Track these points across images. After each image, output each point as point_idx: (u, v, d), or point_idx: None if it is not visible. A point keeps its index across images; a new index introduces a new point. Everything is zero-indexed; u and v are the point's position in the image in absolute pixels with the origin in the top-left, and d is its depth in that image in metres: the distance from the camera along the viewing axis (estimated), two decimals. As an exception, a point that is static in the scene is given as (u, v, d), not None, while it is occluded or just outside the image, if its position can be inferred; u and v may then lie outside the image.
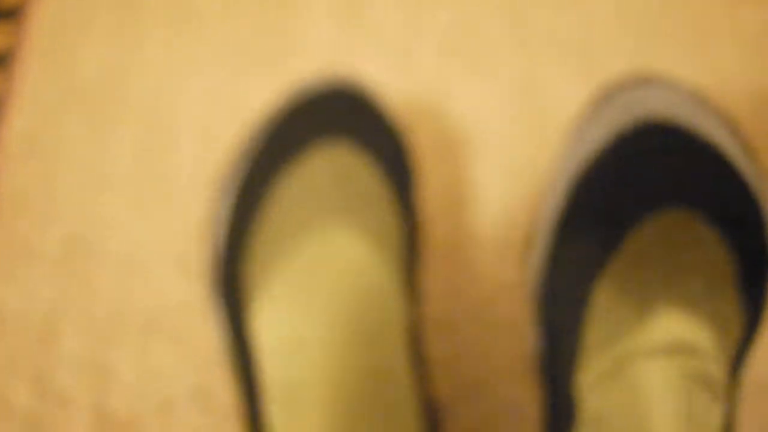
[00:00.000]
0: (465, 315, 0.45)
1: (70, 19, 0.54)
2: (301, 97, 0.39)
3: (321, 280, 0.35)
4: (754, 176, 0.35)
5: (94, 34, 0.54)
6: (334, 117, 0.38)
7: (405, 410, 0.34)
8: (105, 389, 0.44)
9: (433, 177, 0.48)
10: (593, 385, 0.34)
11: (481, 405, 0.42)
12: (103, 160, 0.50)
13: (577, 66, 0.51)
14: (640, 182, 0.34)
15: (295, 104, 0.38)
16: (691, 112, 0.35)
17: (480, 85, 0.52)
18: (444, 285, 0.45)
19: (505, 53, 0.53)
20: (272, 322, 0.35)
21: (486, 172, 0.49)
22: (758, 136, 0.49)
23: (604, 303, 0.34)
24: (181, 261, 0.47)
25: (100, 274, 0.46)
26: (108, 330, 0.45)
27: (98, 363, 0.44)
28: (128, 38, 0.53)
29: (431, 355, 0.44)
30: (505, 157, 0.49)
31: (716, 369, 0.33)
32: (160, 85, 0.52)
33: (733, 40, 0.52)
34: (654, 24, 0.53)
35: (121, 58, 0.53)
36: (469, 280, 0.46)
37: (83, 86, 0.52)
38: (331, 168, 0.37)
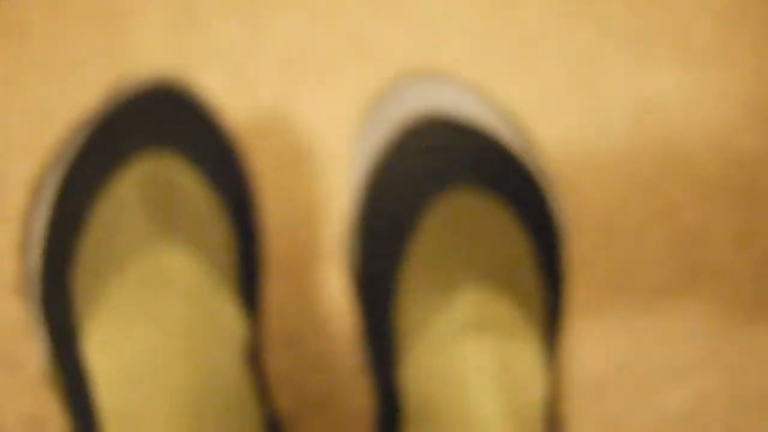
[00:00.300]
0: (309, 329, 0.45)
1: None
2: (124, 100, 0.36)
3: (149, 303, 0.34)
4: (536, 167, 0.38)
5: None
6: (159, 125, 0.36)
7: (248, 429, 0.34)
8: None
9: (277, 192, 0.49)
10: (410, 377, 0.35)
11: (326, 418, 0.43)
12: None
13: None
14: (427, 168, 0.36)
15: (117, 108, 0.36)
16: (475, 107, 0.37)
17: (324, 98, 0.52)
18: (287, 300, 0.45)
19: (347, 64, 0.53)
20: (105, 348, 0.34)
21: (331, 186, 0.49)
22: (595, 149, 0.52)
23: (412, 289, 0.35)
24: (11, 282, 0.45)
25: None
26: (-69, 359, 0.43)
27: None
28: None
29: (275, 369, 0.44)
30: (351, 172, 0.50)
31: (526, 343, 0.35)
32: (-17, 100, 0.49)
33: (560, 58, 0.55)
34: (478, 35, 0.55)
35: None
36: (313, 294, 0.46)
37: None
38: (155, 181, 0.35)
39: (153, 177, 0.35)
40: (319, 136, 0.51)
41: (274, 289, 0.46)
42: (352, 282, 0.38)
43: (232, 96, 0.52)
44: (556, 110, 0.53)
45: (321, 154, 0.50)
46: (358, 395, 0.43)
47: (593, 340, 0.45)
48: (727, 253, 0.48)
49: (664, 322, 0.46)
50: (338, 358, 0.44)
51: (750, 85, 0.54)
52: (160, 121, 0.36)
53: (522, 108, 0.53)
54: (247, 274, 0.37)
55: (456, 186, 0.35)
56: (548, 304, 0.37)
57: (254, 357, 0.36)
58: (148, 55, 0.52)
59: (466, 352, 0.34)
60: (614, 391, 0.44)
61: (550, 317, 0.37)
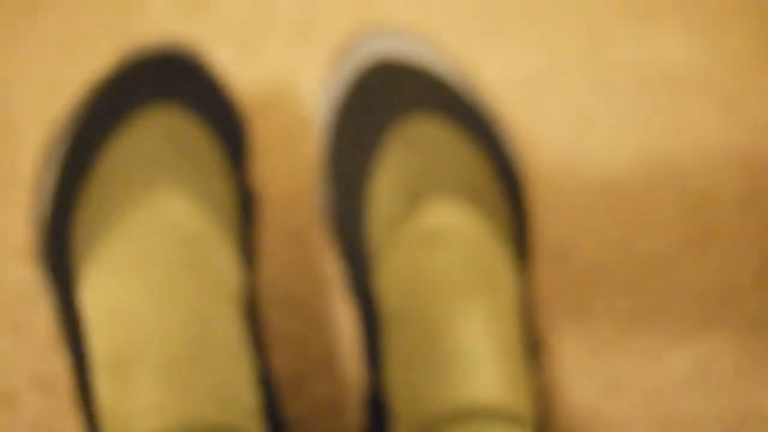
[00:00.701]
0: (312, 293, 0.45)
1: None
2: (131, 61, 0.38)
3: (147, 247, 0.35)
4: (483, 104, 0.41)
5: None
6: (164, 81, 0.37)
7: (236, 379, 0.34)
8: None
9: (281, 163, 0.49)
10: (384, 286, 0.36)
11: (326, 381, 0.43)
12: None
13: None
14: (385, 101, 0.39)
15: (125, 68, 0.38)
16: (428, 56, 0.41)
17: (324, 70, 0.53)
18: (292, 265, 0.46)
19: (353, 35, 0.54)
20: (99, 292, 0.35)
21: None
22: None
23: (380, 206, 0.37)
24: (19, 249, 0.46)
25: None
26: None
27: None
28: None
29: (279, 332, 0.44)
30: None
31: (493, 249, 0.37)
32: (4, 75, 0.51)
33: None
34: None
35: None
36: (316, 260, 0.46)
37: None
38: (160, 132, 0.37)
39: (158, 129, 0.36)
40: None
41: (280, 255, 0.46)
42: (325, 211, 0.41)
43: (240, 68, 0.52)
44: (564, 77, 0.53)
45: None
46: (360, 359, 0.43)
47: (597, 301, 0.45)
48: (733, 216, 0.48)
49: (668, 285, 0.46)
50: (342, 321, 0.45)
51: (757, 49, 0.53)
52: (165, 78, 0.37)
53: (528, 73, 0.53)
54: (246, 227, 0.38)
55: (411, 114, 0.38)
56: (513, 220, 0.39)
57: (250, 310, 0.37)
58: (159, 29, 0.53)
59: (434, 259, 0.36)
60: (619, 354, 0.44)
61: (516, 232, 0.39)
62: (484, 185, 0.38)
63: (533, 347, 0.37)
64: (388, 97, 0.39)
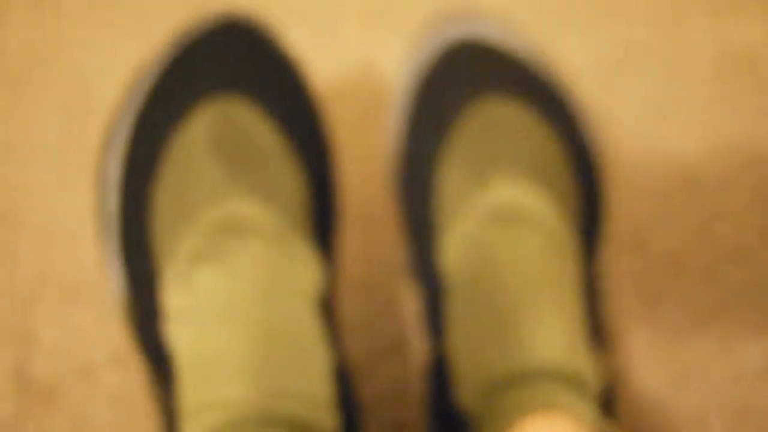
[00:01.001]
0: (381, 278, 0.46)
1: (-7, -5, 0.55)
2: (196, 38, 0.37)
3: (223, 247, 0.35)
4: (562, 87, 0.41)
5: (12, 13, 0.54)
6: (232, 67, 0.36)
7: (312, 372, 0.34)
8: (26, 355, 0.44)
9: (356, 146, 0.49)
10: (451, 257, 0.37)
11: (396, 365, 0.43)
12: (26, 132, 0.50)
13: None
14: (465, 78, 0.39)
15: (189, 48, 0.37)
16: (509, 39, 0.41)
17: (401, 55, 0.53)
18: (361, 250, 0.46)
19: (425, 18, 0.54)
20: (178, 290, 0.35)
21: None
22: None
23: (445, 182, 0.38)
24: (93, 226, 0.47)
25: (21, 243, 0.47)
26: (29, 296, 0.45)
27: (19, 329, 0.45)
28: (47, 13, 0.54)
29: (347, 315, 0.45)
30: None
31: (558, 232, 0.37)
32: (83, 57, 0.52)
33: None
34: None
35: (41, 33, 0.53)
36: (386, 245, 0.47)
37: (4, 63, 0.52)
38: (226, 127, 0.36)
39: (224, 122, 0.36)
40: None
41: (354, 239, 0.47)
42: (396, 181, 0.41)
43: (314, 49, 0.53)
44: (641, 64, 0.53)
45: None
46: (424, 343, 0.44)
47: (672, 289, 0.45)
48: (815, 206, 0.47)
49: (745, 274, 0.45)
50: (410, 305, 0.45)
51: None
52: (232, 63, 0.36)
53: (604, 59, 0.52)
54: (322, 222, 0.38)
55: (488, 94, 0.38)
56: (585, 204, 0.39)
57: (327, 303, 0.37)
58: (232, 7, 0.53)
59: (504, 234, 0.36)
60: (693, 343, 0.43)
61: (587, 216, 0.39)
62: (557, 168, 0.38)
63: (598, 331, 0.37)
64: (466, 76, 0.39)
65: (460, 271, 0.36)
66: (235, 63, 0.36)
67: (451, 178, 0.37)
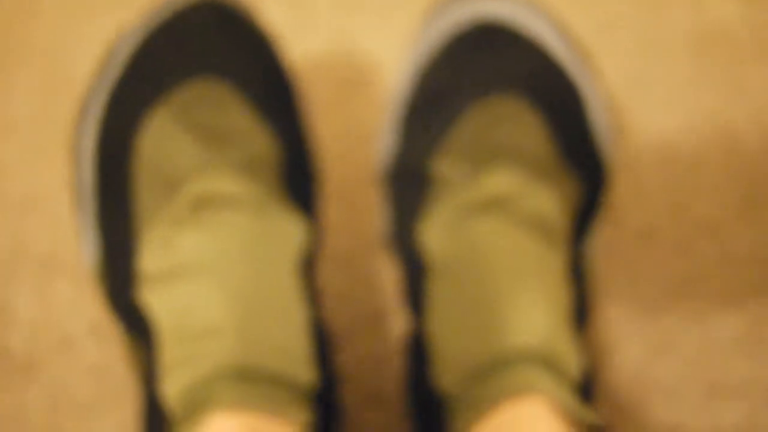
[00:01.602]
0: (361, 251, 0.46)
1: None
2: (169, 16, 0.37)
3: (206, 215, 0.35)
4: (579, 68, 0.40)
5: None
6: (203, 43, 0.37)
7: (292, 329, 0.35)
8: (4, 328, 0.44)
9: (333, 121, 0.50)
10: (437, 239, 0.37)
11: (371, 338, 0.44)
12: (5, 104, 0.50)
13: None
14: (474, 73, 0.38)
15: (162, 25, 0.37)
16: (527, 18, 0.39)
17: (379, 32, 0.53)
18: (341, 224, 0.47)
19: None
20: (157, 252, 0.35)
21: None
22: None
23: (444, 171, 0.37)
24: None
25: (-1, 216, 0.47)
26: (6, 270, 0.45)
27: (-4, 301, 0.45)
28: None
29: (328, 287, 0.45)
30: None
31: (550, 218, 0.37)
32: (62, 30, 0.52)
33: None
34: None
35: (20, 5, 0.53)
36: (365, 220, 0.47)
37: (-16, 35, 0.52)
38: (201, 104, 0.36)
39: (199, 98, 0.36)
40: (375, 68, 0.52)
41: (331, 213, 0.47)
42: (386, 167, 0.41)
43: (291, 28, 0.53)
44: (619, 39, 0.53)
45: (377, 86, 0.51)
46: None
47: (648, 263, 0.45)
48: (788, 181, 0.48)
49: (719, 248, 0.46)
50: (388, 278, 0.45)
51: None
52: (207, 41, 0.37)
53: (583, 36, 0.53)
54: (301, 191, 0.38)
55: (495, 92, 0.38)
56: (582, 197, 0.39)
57: (309, 264, 0.37)
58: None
59: (491, 221, 0.36)
60: (668, 317, 0.44)
61: (585, 205, 0.39)
62: (554, 162, 0.38)
63: (582, 313, 0.38)
64: (472, 72, 0.39)
65: (444, 253, 0.36)
66: (210, 40, 0.37)
67: (444, 167, 0.38)
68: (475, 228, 0.36)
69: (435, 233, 0.37)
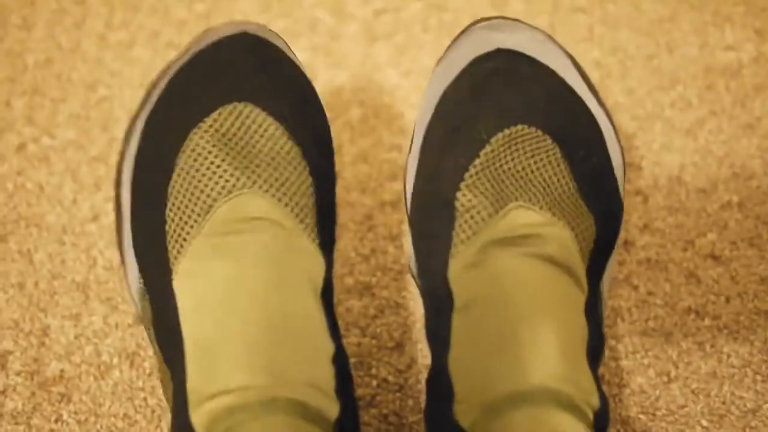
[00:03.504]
0: (380, 280, 0.47)
1: None
2: (206, 48, 0.38)
3: (231, 241, 0.36)
4: (594, 103, 0.40)
5: (35, 27, 0.56)
6: (240, 73, 0.38)
7: (314, 360, 0.36)
8: (39, 351, 0.45)
9: (355, 150, 0.51)
10: (461, 276, 0.37)
11: (391, 366, 0.45)
12: (47, 132, 0.52)
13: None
14: (496, 105, 0.39)
15: (198, 58, 0.38)
16: (539, 46, 0.40)
17: (408, 65, 0.55)
18: (356, 254, 0.48)
19: (424, 33, 0.56)
20: (186, 282, 0.36)
21: (408, 144, 0.51)
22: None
23: (468, 203, 0.38)
24: (112, 230, 0.49)
25: (38, 242, 0.49)
26: (44, 294, 0.47)
27: (33, 325, 0.46)
28: (64, 37, 0.55)
29: (344, 314, 0.46)
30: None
31: (570, 255, 0.37)
32: (95, 72, 0.54)
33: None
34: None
35: (60, 51, 0.54)
36: (385, 247, 0.48)
37: (26, 72, 0.54)
38: (233, 130, 0.38)
39: (234, 124, 0.38)
40: (397, 101, 0.53)
41: (349, 241, 0.48)
42: (413, 193, 0.41)
43: (318, 57, 0.54)
44: (630, 73, 0.54)
45: (399, 118, 0.53)
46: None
47: (658, 293, 0.46)
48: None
49: (730, 277, 0.47)
50: (409, 307, 0.46)
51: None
52: (244, 71, 0.38)
53: (598, 72, 0.54)
54: (323, 216, 0.39)
55: (521, 127, 0.39)
56: (597, 232, 0.39)
57: (327, 294, 0.38)
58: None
59: (508, 261, 0.37)
60: (677, 344, 0.45)
61: (599, 239, 0.39)
62: (573, 198, 0.39)
63: (598, 349, 0.38)
64: (495, 104, 0.39)
65: (468, 291, 0.37)
66: (245, 69, 0.38)
67: (468, 199, 0.38)
68: (499, 266, 0.37)
69: (460, 270, 0.37)
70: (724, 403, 0.43)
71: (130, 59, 0.56)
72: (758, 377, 0.44)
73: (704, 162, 0.51)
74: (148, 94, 0.39)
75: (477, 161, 0.38)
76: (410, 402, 0.44)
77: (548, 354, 0.35)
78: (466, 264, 0.37)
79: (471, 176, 0.38)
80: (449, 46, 0.41)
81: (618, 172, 0.40)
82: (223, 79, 0.38)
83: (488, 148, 0.38)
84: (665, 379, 0.44)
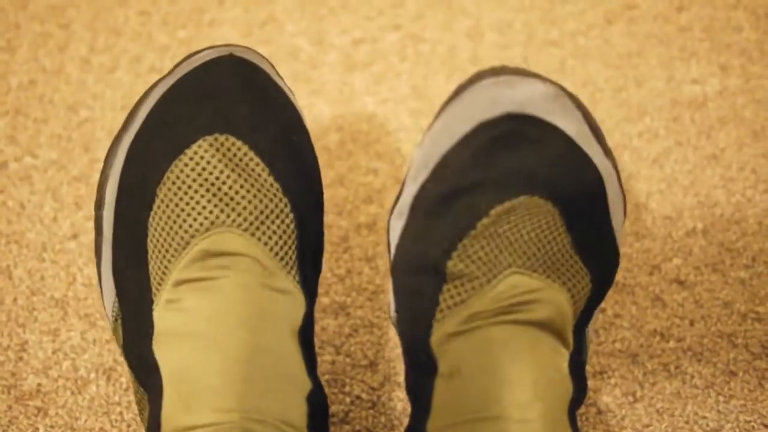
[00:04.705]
0: (352, 302, 0.48)
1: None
2: (193, 74, 0.38)
3: (211, 277, 0.36)
4: (601, 156, 0.39)
5: (17, 51, 0.56)
6: (223, 100, 0.38)
7: (289, 399, 0.36)
8: (17, 366, 0.45)
9: (332, 173, 0.52)
10: (446, 342, 0.37)
11: (365, 384, 0.46)
12: (29, 152, 0.53)
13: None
14: (496, 176, 0.38)
15: (184, 81, 0.38)
16: (549, 105, 0.38)
17: (386, 93, 0.56)
18: (332, 275, 0.49)
19: (401, 63, 0.57)
20: (165, 314, 0.37)
21: (385, 173, 0.53)
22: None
23: (457, 273, 0.37)
24: (92, 248, 0.49)
25: (18, 259, 0.49)
26: (22, 310, 0.47)
27: (11, 341, 0.46)
28: (47, 60, 0.56)
29: (318, 335, 0.47)
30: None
31: (563, 317, 0.38)
32: (78, 95, 0.54)
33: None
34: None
35: (46, 62, 0.55)
36: (365, 273, 0.49)
37: (8, 94, 0.54)
38: (215, 159, 0.37)
39: (216, 157, 0.37)
40: (374, 128, 0.55)
41: (324, 262, 0.49)
42: (401, 257, 0.40)
43: (296, 87, 0.55)
44: (599, 105, 0.56)
45: (376, 143, 0.54)
46: (400, 361, 0.46)
47: (624, 316, 0.47)
48: (761, 243, 0.50)
49: (694, 301, 0.48)
50: (382, 329, 0.47)
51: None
52: (228, 98, 0.38)
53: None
54: (305, 252, 0.39)
55: (521, 197, 0.38)
56: (591, 287, 0.39)
57: (305, 331, 0.38)
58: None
59: (499, 332, 0.37)
60: (642, 366, 0.46)
61: (592, 299, 0.39)
62: (567, 259, 0.38)
63: (580, 397, 0.38)
64: (499, 166, 0.38)
65: (454, 360, 0.37)
66: (228, 98, 0.38)
67: (461, 267, 0.38)
68: (487, 336, 0.37)
69: (445, 337, 0.37)
70: (687, 422, 0.44)
71: (112, 82, 0.57)
72: (721, 398, 0.45)
73: (670, 190, 0.52)
74: (132, 116, 0.39)
75: (473, 232, 0.37)
76: (383, 419, 0.44)
77: (531, 421, 0.36)
78: (452, 332, 0.37)
79: (464, 245, 0.37)
80: (453, 98, 0.40)
81: (618, 222, 0.40)
82: (206, 107, 0.38)
83: (486, 220, 0.37)
84: (631, 398, 0.45)
